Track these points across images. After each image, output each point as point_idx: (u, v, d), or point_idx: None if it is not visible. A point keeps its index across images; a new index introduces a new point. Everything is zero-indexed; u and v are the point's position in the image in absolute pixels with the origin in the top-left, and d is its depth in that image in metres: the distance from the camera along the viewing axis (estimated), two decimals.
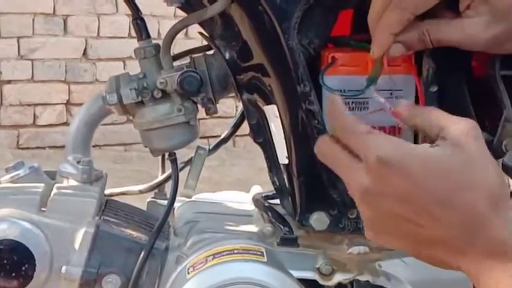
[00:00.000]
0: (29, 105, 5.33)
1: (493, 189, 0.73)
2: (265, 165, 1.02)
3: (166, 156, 1.08)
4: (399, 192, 0.73)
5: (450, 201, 0.72)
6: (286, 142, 0.96)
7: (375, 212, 0.75)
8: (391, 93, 0.91)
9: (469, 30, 0.82)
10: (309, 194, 0.96)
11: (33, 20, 5.29)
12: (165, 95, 1.00)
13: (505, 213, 0.72)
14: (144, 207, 1.16)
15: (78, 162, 1.07)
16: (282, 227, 1.00)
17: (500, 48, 0.84)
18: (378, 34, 0.83)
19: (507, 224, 0.72)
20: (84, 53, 5.45)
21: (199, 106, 1.02)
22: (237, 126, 1.12)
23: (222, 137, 1.14)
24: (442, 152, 0.73)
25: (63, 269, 0.99)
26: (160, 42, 1.02)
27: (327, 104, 0.85)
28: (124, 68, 5.33)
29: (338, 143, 0.78)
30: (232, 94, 1.04)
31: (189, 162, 1.10)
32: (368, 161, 0.74)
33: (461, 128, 0.74)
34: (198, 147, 1.09)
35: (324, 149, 0.80)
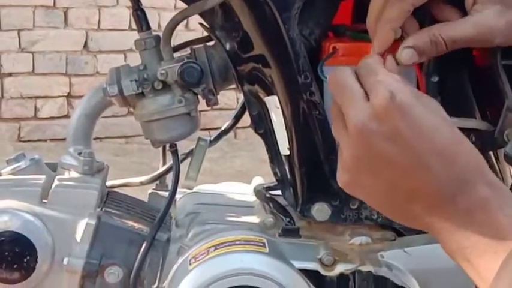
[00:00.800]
0: (29, 97, 5.33)
1: (480, 161, 0.73)
2: (267, 157, 1.02)
3: (167, 147, 1.08)
4: (398, 133, 0.72)
5: (441, 155, 0.72)
6: (287, 133, 0.96)
7: (364, 150, 0.73)
8: None
9: (482, 23, 0.81)
10: (311, 184, 0.96)
11: (33, 12, 5.28)
12: (166, 86, 1.00)
13: (488, 177, 0.72)
14: (145, 198, 1.16)
15: (79, 154, 1.07)
16: (283, 217, 1.00)
17: None
18: (379, 30, 0.82)
19: (491, 188, 0.72)
20: (85, 45, 5.45)
21: (200, 97, 1.02)
22: (238, 117, 1.12)
23: (223, 128, 1.14)
24: (442, 115, 0.74)
25: (65, 260, 0.99)
26: (160, 34, 1.02)
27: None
28: (125, 60, 5.32)
29: (355, 77, 0.77)
30: (233, 85, 1.04)
31: (190, 153, 1.10)
32: (379, 96, 0.72)
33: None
34: (199, 139, 1.09)
35: (341, 76, 0.77)
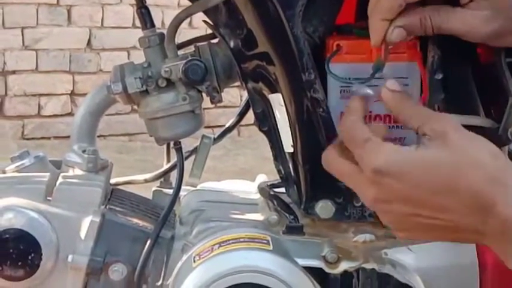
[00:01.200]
0: (33, 95, 5.34)
1: (487, 167, 0.75)
2: (270, 154, 1.02)
3: (172, 145, 1.08)
4: (402, 195, 0.77)
5: (449, 191, 0.75)
6: (291, 130, 0.96)
7: (391, 216, 0.80)
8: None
9: (470, 22, 0.83)
10: (315, 182, 0.96)
11: (37, 10, 5.29)
12: (170, 83, 1.00)
13: (507, 187, 0.74)
14: (149, 196, 1.16)
15: (84, 151, 1.07)
16: (287, 215, 1.00)
17: (500, 42, 0.86)
18: (371, 21, 0.84)
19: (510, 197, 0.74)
20: (88, 43, 5.45)
21: (204, 95, 1.02)
22: (241, 115, 1.12)
23: (226, 126, 1.14)
24: (428, 149, 0.77)
25: (70, 258, 0.99)
26: (164, 32, 1.02)
27: (346, 108, 0.86)
28: (128, 58, 5.32)
29: (344, 153, 0.82)
30: (237, 83, 1.04)
31: (194, 151, 1.11)
32: (366, 173, 0.79)
33: (440, 121, 0.79)
34: (203, 136, 1.09)
35: (330, 161, 0.84)
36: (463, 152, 0.76)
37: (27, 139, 5.28)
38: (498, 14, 0.82)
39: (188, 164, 1.07)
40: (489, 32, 0.84)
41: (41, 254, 0.99)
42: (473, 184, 0.75)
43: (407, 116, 0.81)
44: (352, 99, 0.85)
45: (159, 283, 1.01)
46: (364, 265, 0.97)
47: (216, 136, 1.11)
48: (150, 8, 1.04)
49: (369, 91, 0.86)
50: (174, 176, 1.09)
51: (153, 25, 1.03)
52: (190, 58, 0.99)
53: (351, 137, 0.81)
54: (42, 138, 5.31)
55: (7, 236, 0.98)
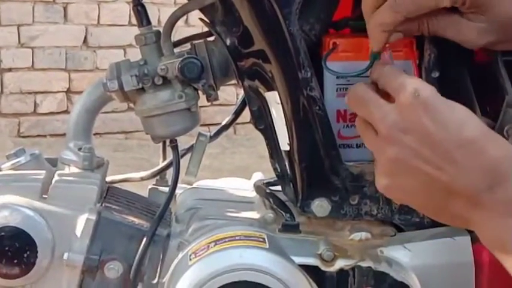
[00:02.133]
0: (29, 93, 5.33)
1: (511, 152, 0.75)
2: (266, 153, 1.02)
3: (168, 143, 1.08)
4: (425, 129, 0.75)
5: (471, 148, 0.74)
6: (287, 128, 0.96)
7: (398, 149, 0.77)
8: None
9: (465, 33, 0.84)
10: (311, 180, 0.96)
11: (33, 7, 5.28)
12: (166, 81, 1.00)
13: None
14: (145, 194, 1.16)
15: (80, 149, 1.07)
16: (283, 213, 1.00)
17: (495, 49, 0.87)
18: (372, 31, 0.85)
19: None
20: (85, 40, 5.45)
21: (200, 93, 1.02)
22: (238, 113, 1.12)
23: (223, 124, 1.14)
24: (467, 109, 0.77)
25: (65, 255, 0.99)
26: (160, 29, 1.02)
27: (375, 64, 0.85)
28: (124, 56, 5.32)
29: (372, 89, 0.81)
30: (233, 81, 1.04)
31: (190, 149, 1.10)
32: (404, 95, 0.76)
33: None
34: (199, 134, 1.09)
35: (359, 91, 0.82)
36: (488, 128, 0.76)
37: (23, 137, 5.28)
38: (493, 28, 0.83)
39: (184, 162, 1.07)
40: (483, 44, 0.85)
41: (37, 252, 0.99)
42: (496, 155, 0.74)
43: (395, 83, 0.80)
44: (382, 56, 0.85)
45: (155, 281, 1.01)
46: (360, 263, 0.97)
47: (212, 134, 1.11)
48: (147, 6, 1.04)
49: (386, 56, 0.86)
50: (170, 174, 1.09)
51: (149, 23, 1.03)
52: (186, 56, 0.99)
53: (389, 73, 0.80)
54: (38, 136, 5.31)
55: (2, 233, 0.98)
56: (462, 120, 0.75)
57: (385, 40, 0.85)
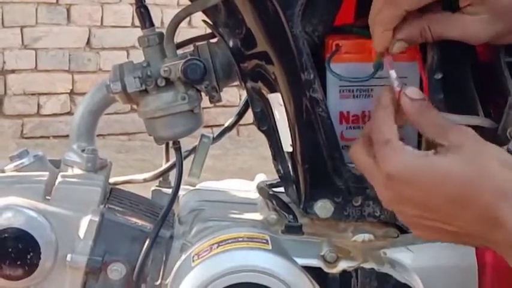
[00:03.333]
0: (32, 94, 5.34)
1: (495, 179, 0.75)
2: (269, 154, 1.02)
3: (171, 144, 1.08)
4: (414, 201, 0.79)
5: (461, 200, 0.76)
6: (290, 130, 0.96)
7: (405, 217, 0.82)
8: None
9: (470, 28, 0.84)
10: (314, 181, 0.96)
11: (36, 9, 5.28)
12: (169, 83, 1.00)
13: None
14: (148, 195, 1.16)
15: (83, 150, 1.07)
16: (286, 214, 1.00)
17: (502, 41, 0.86)
18: (374, 31, 0.85)
19: None
20: (88, 42, 5.45)
21: (203, 94, 1.02)
22: (240, 114, 1.12)
23: (225, 125, 1.14)
24: (442, 158, 0.78)
25: (68, 257, 0.99)
26: (163, 31, 1.02)
27: (376, 99, 0.85)
28: (127, 57, 5.32)
29: (369, 147, 0.83)
30: (236, 83, 1.04)
31: (193, 150, 1.11)
32: (383, 176, 0.80)
33: (459, 131, 0.79)
34: (202, 136, 1.09)
35: (354, 154, 0.84)
36: (474, 163, 0.77)
37: (27, 138, 5.28)
38: (497, 17, 0.83)
39: (187, 164, 1.07)
40: (490, 36, 0.84)
41: (40, 253, 0.99)
42: (482, 196, 0.75)
43: (424, 126, 0.81)
44: (383, 92, 0.83)
45: (158, 282, 1.01)
46: (363, 265, 0.97)
47: (215, 135, 1.11)
48: (150, 7, 1.04)
49: (394, 76, 0.85)
50: (173, 175, 1.09)
51: (152, 24, 1.03)
52: (189, 57, 0.99)
53: (375, 135, 0.82)
54: (42, 137, 5.31)
55: (6, 235, 0.98)
56: (441, 178, 0.77)
57: (388, 41, 0.84)
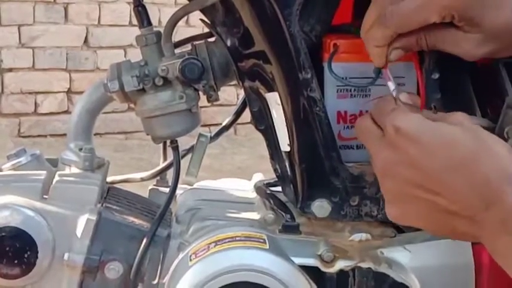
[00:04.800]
0: (30, 93, 5.33)
1: (504, 161, 0.75)
2: (267, 153, 1.02)
3: (168, 143, 1.08)
4: (413, 159, 0.77)
5: (460, 170, 0.75)
6: (288, 129, 0.96)
7: (394, 182, 0.80)
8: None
9: (463, 45, 0.85)
10: (311, 181, 0.96)
11: (33, 7, 5.28)
12: (167, 82, 1.00)
13: None
14: (145, 194, 1.16)
15: (80, 149, 1.07)
16: (283, 214, 1.01)
17: (495, 56, 0.88)
18: (367, 46, 0.87)
19: None
20: (85, 41, 5.44)
21: (200, 94, 1.02)
22: (238, 114, 1.12)
23: (223, 124, 1.14)
24: (452, 127, 0.77)
25: (66, 256, 0.99)
26: (161, 30, 1.02)
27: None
28: (125, 56, 5.31)
29: (376, 123, 0.83)
30: (234, 82, 1.04)
31: (190, 149, 1.10)
32: (388, 132, 0.79)
33: (454, 115, 0.79)
34: (200, 135, 1.09)
35: (363, 125, 0.85)
36: (484, 141, 0.76)
37: (24, 137, 5.28)
38: (490, 37, 0.84)
39: (184, 163, 1.07)
40: (483, 53, 0.85)
41: (37, 252, 0.99)
42: (487, 172, 0.74)
43: None
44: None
45: (155, 281, 1.01)
46: (360, 264, 0.97)
47: (212, 135, 1.11)
48: (147, 6, 1.04)
49: (392, 85, 0.87)
50: (170, 174, 1.09)
51: (150, 23, 1.03)
52: (187, 57, 0.99)
53: (379, 108, 0.83)
54: (39, 136, 5.30)
55: (3, 234, 0.98)
56: (448, 142, 0.76)
57: (382, 55, 0.86)
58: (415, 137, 0.77)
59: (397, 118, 0.79)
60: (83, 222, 1.00)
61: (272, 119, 1.00)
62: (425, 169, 0.76)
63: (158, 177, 1.17)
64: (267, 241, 0.97)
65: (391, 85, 0.86)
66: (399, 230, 1.00)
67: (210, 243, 0.97)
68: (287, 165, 1.00)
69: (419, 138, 0.77)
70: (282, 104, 0.96)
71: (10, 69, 5.26)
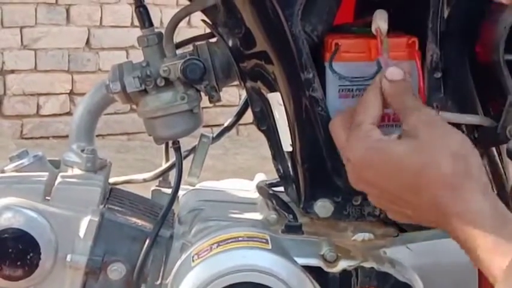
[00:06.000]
0: (32, 95, 5.34)
1: (445, 173, 0.77)
2: (269, 154, 1.02)
3: (170, 144, 1.08)
4: (374, 184, 0.83)
5: (414, 188, 0.79)
6: (290, 129, 0.96)
7: (370, 196, 0.86)
8: None
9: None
10: (313, 181, 0.96)
11: (35, 9, 5.28)
12: (168, 83, 1.00)
13: (460, 191, 0.77)
14: (148, 195, 1.16)
15: (82, 150, 1.07)
16: (286, 214, 1.00)
17: None
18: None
19: (476, 193, 0.77)
20: (87, 42, 5.45)
21: (202, 94, 1.02)
22: (240, 114, 1.12)
23: (225, 125, 1.14)
24: (399, 145, 0.81)
25: (68, 257, 0.99)
26: (163, 31, 1.02)
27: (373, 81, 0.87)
28: (127, 57, 5.32)
29: (347, 126, 0.86)
30: (236, 82, 1.04)
31: (192, 150, 1.10)
32: (346, 161, 0.85)
33: (416, 116, 0.81)
34: (202, 135, 1.09)
35: (334, 129, 0.88)
36: (424, 152, 0.79)
37: (26, 138, 5.28)
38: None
39: (187, 163, 1.07)
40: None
41: (40, 254, 0.99)
42: (431, 187, 0.78)
43: (396, 108, 0.84)
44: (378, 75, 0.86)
45: (158, 282, 1.01)
46: (363, 264, 0.97)
47: (214, 135, 1.11)
48: (149, 7, 1.04)
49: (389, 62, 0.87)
50: (172, 175, 1.09)
51: (151, 24, 1.03)
52: (188, 57, 0.99)
53: (356, 115, 0.85)
54: (41, 137, 5.31)
55: (6, 235, 0.98)
56: (396, 165, 0.80)
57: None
58: (367, 165, 0.82)
59: (350, 149, 0.84)
60: (85, 224, 1.00)
61: (274, 119, 1.00)
62: (384, 190, 0.82)
63: (161, 178, 1.17)
64: (269, 241, 0.97)
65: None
66: (402, 229, 0.99)
67: (213, 244, 0.97)
68: (289, 166, 1.00)
69: (371, 165, 0.82)
70: (284, 104, 0.96)
71: (12, 71, 5.27)
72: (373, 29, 0.89)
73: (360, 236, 0.99)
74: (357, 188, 0.87)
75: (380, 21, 0.89)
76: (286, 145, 0.98)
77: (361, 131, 0.83)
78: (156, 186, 1.17)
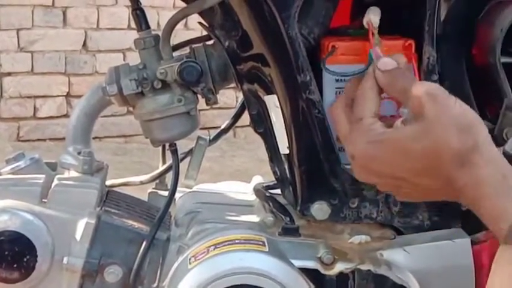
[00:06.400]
0: (29, 97, 5.33)
1: (455, 150, 0.78)
2: (266, 156, 1.02)
3: (167, 147, 1.08)
4: (382, 173, 0.83)
5: (425, 172, 0.80)
6: (287, 132, 0.96)
7: (379, 186, 0.86)
8: None
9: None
10: (310, 183, 0.96)
11: (32, 12, 5.28)
12: (165, 85, 1.00)
13: (472, 167, 0.77)
14: (145, 198, 1.16)
15: (79, 153, 1.07)
16: (283, 216, 1.00)
17: None
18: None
19: (483, 164, 0.77)
20: (84, 44, 5.45)
21: (199, 97, 1.02)
22: (237, 117, 1.12)
23: (222, 127, 1.14)
24: (404, 130, 0.81)
25: (65, 260, 0.99)
26: (159, 33, 1.02)
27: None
28: (124, 60, 5.31)
29: (349, 114, 0.86)
30: (233, 85, 1.04)
31: (189, 152, 1.10)
32: (351, 158, 0.85)
33: (417, 97, 0.80)
34: (199, 138, 1.09)
35: (335, 116, 0.88)
36: (432, 133, 0.79)
37: (23, 141, 5.27)
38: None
39: (184, 166, 1.07)
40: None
41: (36, 256, 0.98)
42: (441, 167, 0.78)
43: (396, 95, 0.84)
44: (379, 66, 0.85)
45: (155, 285, 1.01)
46: (359, 266, 0.97)
47: (211, 138, 1.11)
48: (145, 10, 1.04)
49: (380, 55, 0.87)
50: (169, 177, 1.09)
51: (148, 27, 1.03)
52: (185, 60, 0.99)
53: (355, 107, 0.85)
54: (38, 140, 5.30)
55: (2, 238, 0.98)
56: (403, 152, 0.80)
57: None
58: (372, 157, 0.82)
59: (353, 145, 0.84)
60: (82, 226, 1.00)
61: (271, 122, 1.00)
62: (394, 176, 0.82)
63: (157, 181, 1.17)
64: (266, 244, 0.97)
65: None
66: (399, 231, 0.99)
67: (210, 246, 0.97)
68: (286, 168, 1.00)
69: (377, 156, 0.82)
70: (280, 106, 0.96)
71: (9, 74, 5.26)
72: (364, 23, 0.89)
73: (356, 239, 0.99)
74: (366, 181, 0.87)
75: (371, 15, 0.89)
76: (283, 147, 0.98)
77: (362, 126, 0.83)
78: (153, 188, 1.17)
